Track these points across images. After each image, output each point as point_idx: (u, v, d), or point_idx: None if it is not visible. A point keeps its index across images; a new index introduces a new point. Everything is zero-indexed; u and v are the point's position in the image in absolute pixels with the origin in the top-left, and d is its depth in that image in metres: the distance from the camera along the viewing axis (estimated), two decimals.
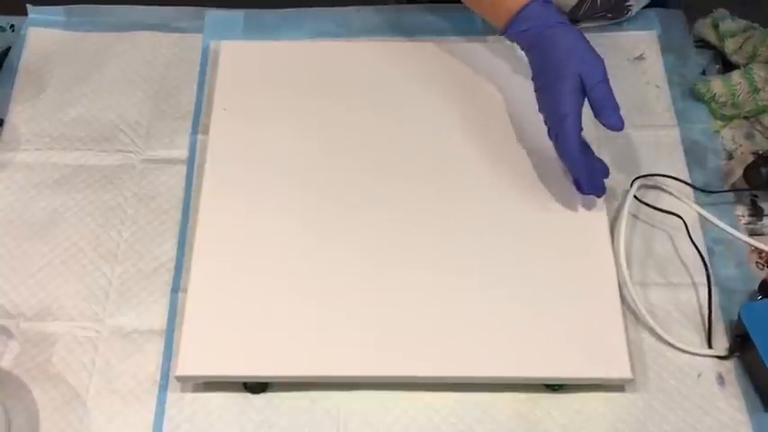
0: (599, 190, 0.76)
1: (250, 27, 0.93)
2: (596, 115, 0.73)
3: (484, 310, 0.72)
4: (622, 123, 0.72)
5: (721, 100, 0.85)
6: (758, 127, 0.85)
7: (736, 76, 0.85)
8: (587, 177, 0.75)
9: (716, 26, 0.89)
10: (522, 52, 0.78)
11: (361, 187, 0.79)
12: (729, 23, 0.88)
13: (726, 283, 0.76)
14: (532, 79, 0.77)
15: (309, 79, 0.86)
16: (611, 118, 0.72)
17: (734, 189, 0.81)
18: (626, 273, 0.75)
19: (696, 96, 0.87)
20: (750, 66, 0.85)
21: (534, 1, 0.76)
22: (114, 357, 0.74)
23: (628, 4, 0.89)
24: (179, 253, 0.78)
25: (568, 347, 0.70)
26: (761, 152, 0.83)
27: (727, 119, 0.86)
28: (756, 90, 0.84)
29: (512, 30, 0.77)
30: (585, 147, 0.76)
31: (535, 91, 0.77)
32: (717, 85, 0.85)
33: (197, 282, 0.74)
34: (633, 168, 0.83)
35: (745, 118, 0.86)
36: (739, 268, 0.77)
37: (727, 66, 0.89)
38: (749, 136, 0.85)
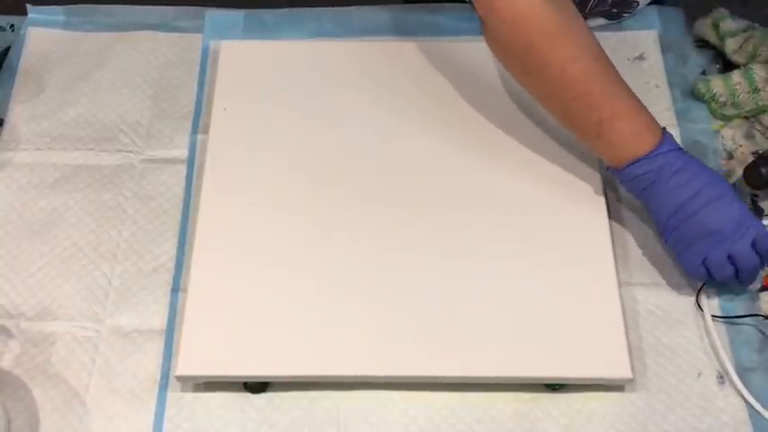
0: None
1: (250, 27, 0.93)
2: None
3: (484, 310, 0.72)
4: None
5: (721, 100, 0.85)
6: (758, 127, 0.85)
7: (736, 75, 0.85)
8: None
9: (716, 26, 0.89)
10: None
11: (360, 187, 0.79)
12: (729, 23, 0.88)
13: (726, 284, 0.76)
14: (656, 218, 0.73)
15: (309, 79, 0.86)
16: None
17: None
18: (626, 273, 0.76)
19: (696, 96, 0.87)
20: (750, 65, 0.85)
21: (661, 145, 0.70)
22: (114, 357, 0.74)
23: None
24: (179, 253, 0.78)
25: (568, 347, 0.70)
26: (761, 152, 0.83)
27: (728, 119, 0.86)
28: (756, 90, 0.84)
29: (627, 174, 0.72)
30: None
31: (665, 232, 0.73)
32: (717, 85, 0.85)
33: (197, 282, 0.74)
34: None
35: (746, 118, 0.86)
36: None
37: (728, 65, 0.89)
38: (749, 136, 0.85)
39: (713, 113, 0.86)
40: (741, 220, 0.70)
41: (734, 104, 0.85)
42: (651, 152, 0.71)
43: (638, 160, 0.71)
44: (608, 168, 0.75)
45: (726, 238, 0.70)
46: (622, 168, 0.72)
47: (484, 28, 0.74)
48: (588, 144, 0.75)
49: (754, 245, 0.70)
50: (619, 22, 0.92)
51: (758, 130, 0.85)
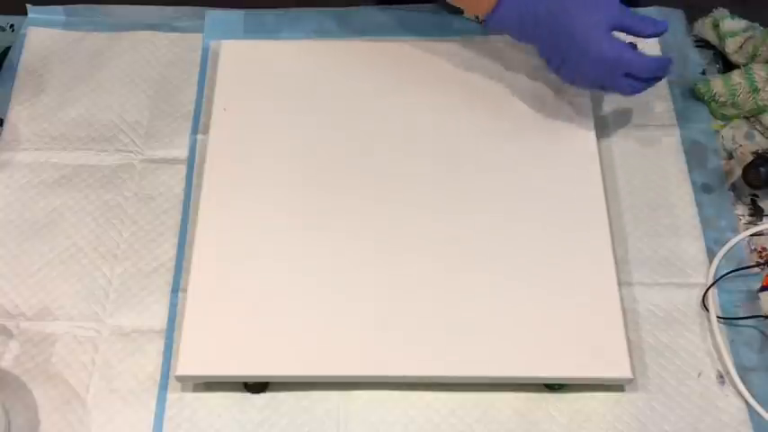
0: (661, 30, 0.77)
1: (250, 27, 0.93)
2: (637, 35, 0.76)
3: (484, 310, 0.72)
4: (663, 25, 0.76)
5: (721, 100, 0.85)
6: (758, 127, 0.85)
7: (736, 75, 0.85)
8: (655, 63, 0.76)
9: (716, 26, 0.89)
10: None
11: (360, 188, 0.79)
12: (730, 23, 0.88)
13: (726, 284, 0.76)
14: (546, 58, 0.77)
15: (309, 79, 0.86)
16: (649, 29, 0.76)
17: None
18: (626, 273, 0.76)
19: (696, 96, 0.87)
20: (750, 65, 0.85)
21: None
22: (114, 357, 0.74)
23: None
24: (179, 253, 0.78)
25: (568, 347, 0.70)
26: (760, 152, 0.83)
27: (727, 119, 0.86)
28: (756, 90, 0.84)
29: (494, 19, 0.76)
30: (633, 52, 0.75)
31: (556, 69, 0.78)
32: (717, 85, 0.85)
33: (197, 282, 0.74)
34: (633, 168, 0.83)
35: (746, 118, 0.86)
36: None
37: (728, 65, 0.89)
38: (749, 136, 0.85)
39: (713, 113, 0.86)
40: (610, 65, 0.74)
41: (734, 104, 0.85)
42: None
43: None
44: (481, 23, 0.78)
45: (603, 80, 0.76)
46: (487, 18, 0.77)
47: None
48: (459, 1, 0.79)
49: (631, 75, 0.75)
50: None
51: (758, 130, 0.85)
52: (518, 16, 0.76)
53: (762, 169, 0.78)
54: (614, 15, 0.74)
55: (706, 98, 0.86)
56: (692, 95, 0.88)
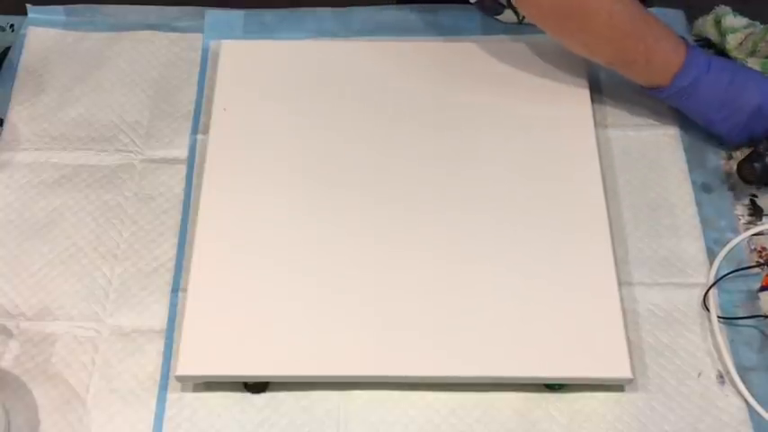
0: None
1: (250, 27, 0.93)
2: None
3: (484, 310, 0.72)
4: None
5: None
6: None
7: None
8: None
9: (718, 22, 0.89)
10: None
11: (360, 188, 0.79)
12: (732, 19, 0.88)
13: (726, 284, 0.76)
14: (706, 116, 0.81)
15: (309, 79, 0.86)
16: None
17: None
18: (626, 273, 0.76)
19: None
20: (745, 60, 0.85)
21: (691, 51, 0.78)
22: (114, 357, 0.74)
23: None
24: (179, 253, 0.78)
25: (568, 347, 0.70)
26: (757, 147, 0.83)
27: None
28: None
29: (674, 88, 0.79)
30: None
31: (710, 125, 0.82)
32: None
33: (197, 282, 0.74)
34: (633, 168, 0.83)
35: None
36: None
37: None
38: None
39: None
40: None
41: None
42: (686, 60, 0.78)
43: (681, 71, 0.78)
44: (651, 90, 0.80)
45: (765, 110, 0.79)
46: (670, 84, 0.79)
47: None
48: (635, 75, 0.80)
49: None
50: None
51: None
52: (696, 73, 0.78)
53: (756, 164, 0.78)
54: None
55: None
56: None
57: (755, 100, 0.79)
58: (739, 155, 0.83)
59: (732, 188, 0.82)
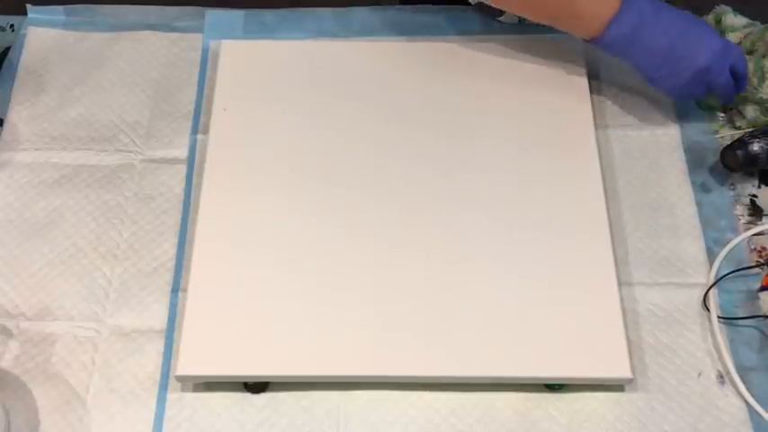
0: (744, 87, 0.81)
1: (250, 27, 0.93)
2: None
3: (484, 311, 0.72)
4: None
5: None
6: (737, 116, 0.85)
7: None
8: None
9: (718, 21, 0.89)
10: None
11: (360, 188, 0.79)
12: (732, 18, 0.89)
13: (726, 284, 0.76)
14: (655, 66, 0.78)
15: (309, 79, 0.86)
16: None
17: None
18: (626, 273, 0.76)
19: None
20: None
21: (629, 3, 0.76)
22: (114, 357, 0.74)
23: None
24: (179, 253, 0.78)
25: (568, 347, 0.70)
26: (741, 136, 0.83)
27: (713, 109, 0.86)
28: None
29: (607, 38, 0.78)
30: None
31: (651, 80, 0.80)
32: None
33: (197, 282, 0.74)
34: (634, 168, 0.83)
35: (730, 109, 0.86)
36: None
37: None
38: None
39: (698, 103, 0.86)
40: (722, 52, 0.77)
41: None
42: (620, 12, 0.76)
43: (613, 23, 0.76)
44: (588, 41, 0.79)
45: (711, 72, 0.77)
46: (601, 36, 0.77)
47: None
48: (566, 28, 0.80)
49: (732, 69, 0.78)
50: None
51: (737, 119, 0.85)
52: (635, 23, 0.76)
53: (739, 152, 0.79)
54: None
55: None
56: None
57: (703, 60, 0.77)
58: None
59: (732, 188, 0.82)
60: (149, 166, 0.84)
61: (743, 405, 0.71)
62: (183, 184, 0.83)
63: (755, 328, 0.74)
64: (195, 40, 0.92)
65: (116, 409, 0.71)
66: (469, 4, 0.86)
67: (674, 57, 0.77)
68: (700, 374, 0.72)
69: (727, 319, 0.74)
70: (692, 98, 0.82)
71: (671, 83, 0.79)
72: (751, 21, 0.89)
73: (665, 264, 0.77)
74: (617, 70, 0.88)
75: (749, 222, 0.80)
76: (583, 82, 0.85)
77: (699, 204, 0.81)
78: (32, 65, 0.91)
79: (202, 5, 0.94)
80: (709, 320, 0.74)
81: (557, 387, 0.71)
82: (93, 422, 0.71)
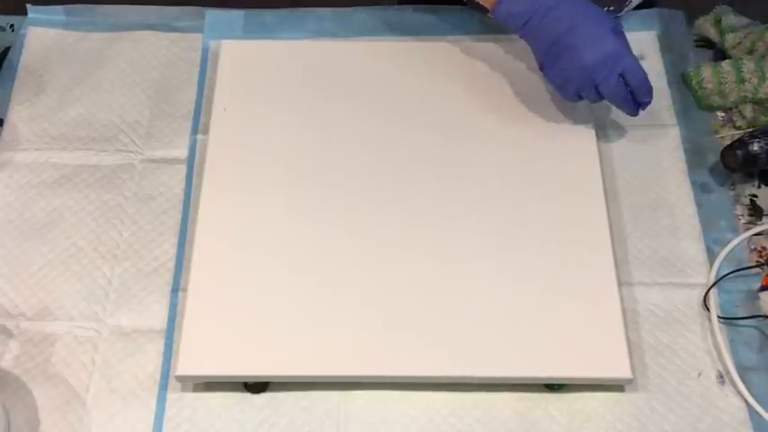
0: (647, 103, 0.79)
1: (250, 27, 0.93)
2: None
3: (484, 311, 0.72)
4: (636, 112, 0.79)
5: (708, 86, 0.85)
6: (737, 116, 0.85)
7: (725, 64, 0.85)
8: (634, 106, 0.78)
9: (718, 21, 0.89)
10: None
11: (360, 187, 0.79)
12: (732, 19, 0.89)
13: (726, 284, 0.76)
14: (543, 52, 0.77)
15: (309, 79, 0.86)
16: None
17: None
18: (626, 273, 0.76)
19: (684, 83, 0.87)
20: (740, 57, 0.85)
21: None
22: (114, 357, 0.74)
23: None
24: (179, 253, 0.78)
25: (568, 347, 0.70)
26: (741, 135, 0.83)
27: (712, 108, 0.86)
28: (743, 80, 0.84)
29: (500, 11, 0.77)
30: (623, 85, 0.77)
31: (550, 66, 0.78)
32: (706, 71, 0.85)
33: (197, 282, 0.74)
34: (633, 168, 0.83)
35: (729, 109, 0.86)
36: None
37: None
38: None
39: (698, 103, 0.86)
40: (609, 56, 0.74)
41: (720, 93, 0.85)
42: None
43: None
44: (488, 13, 0.79)
45: (597, 74, 0.75)
46: (493, 9, 0.77)
47: None
48: None
49: (624, 77, 0.75)
50: (619, 17, 0.91)
51: (738, 119, 0.85)
52: (528, 6, 0.76)
53: (739, 152, 0.79)
54: (617, 28, 0.76)
55: (694, 83, 0.86)
56: (685, 85, 0.88)
57: (588, 59, 0.75)
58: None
59: (732, 188, 0.82)
60: (149, 166, 0.84)
61: (743, 405, 0.71)
62: (183, 184, 0.83)
63: (755, 328, 0.74)
64: (195, 40, 0.92)
65: (116, 409, 0.71)
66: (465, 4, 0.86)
67: (559, 48, 0.75)
68: (700, 374, 0.72)
69: (727, 319, 0.74)
70: (580, 99, 0.78)
71: (556, 75, 0.78)
72: (751, 21, 0.89)
73: (665, 264, 0.78)
74: None
75: (749, 222, 0.80)
76: None
77: (699, 204, 0.81)
78: (32, 65, 0.91)
79: (202, 5, 0.95)
80: (710, 320, 0.74)
81: (557, 387, 0.71)
82: (93, 422, 0.71)
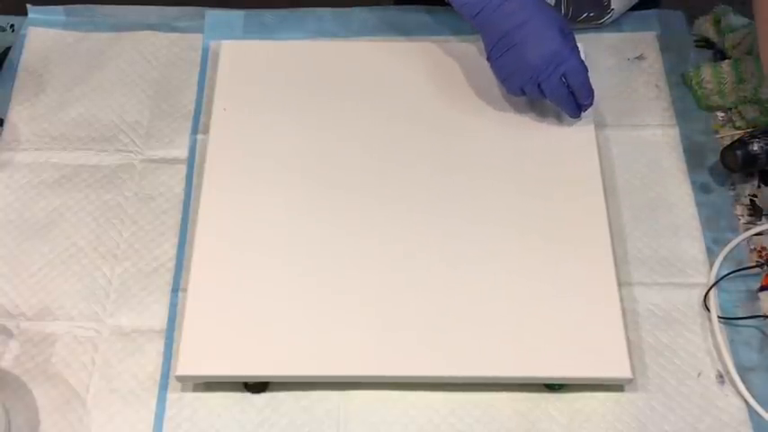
0: (587, 106, 0.80)
1: (250, 27, 0.93)
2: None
3: (484, 310, 0.72)
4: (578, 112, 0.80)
5: (708, 87, 0.85)
6: (736, 117, 0.85)
7: (725, 65, 0.86)
8: (575, 106, 0.80)
9: (717, 21, 0.89)
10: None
11: (360, 188, 0.79)
12: (731, 18, 0.89)
13: (726, 284, 0.76)
14: (493, 44, 0.78)
15: (309, 79, 0.86)
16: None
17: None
18: (626, 273, 0.76)
19: (684, 83, 0.87)
20: (740, 58, 0.85)
21: None
22: (114, 357, 0.74)
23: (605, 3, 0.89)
24: (179, 253, 0.78)
25: (568, 347, 0.70)
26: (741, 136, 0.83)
27: (712, 109, 0.86)
28: (742, 81, 0.84)
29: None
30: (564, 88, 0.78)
31: (497, 58, 0.79)
32: (706, 72, 0.86)
33: (197, 282, 0.74)
34: (633, 168, 0.83)
35: (728, 109, 0.86)
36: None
37: None
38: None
39: (698, 103, 0.86)
40: (553, 56, 0.76)
41: (719, 93, 0.85)
42: None
43: None
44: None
45: (540, 72, 0.76)
46: None
47: None
48: None
49: (566, 77, 0.77)
50: (602, 24, 0.91)
51: (737, 119, 0.85)
52: (478, 3, 0.77)
53: (738, 152, 0.79)
54: (565, 29, 0.77)
55: (693, 83, 0.86)
56: (692, 95, 0.88)
57: (531, 57, 0.76)
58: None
59: (732, 188, 0.82)
60: (149, 166, 0.84)
61: (743, 405, 0.71)
62: (183, 184, 0.83)
63: (755, 328, 0.74)
64: (195, 40, 0.93)
65: (116, 409, 0.71)
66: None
67: (507, 43, 0.77)
68: (699, 374, 0.72)
69: (727, 319, 0.74)
70: (523, 94, 0.79)
71: (501, 68, 0.79)
72: (751, 21, 0.89)
73: (665, 264, 0.78)
74: (617, 69, 0.88)
75: (749, 222, 0.80)
76: None
77: (699, 204, 0.81)
78: (32, 65, 0.91)
79: (202, 5, 0.95)
80: (710, 320, 0.74)
81: (557, 387, 0.71)
82: (93, 422, 0.70)
